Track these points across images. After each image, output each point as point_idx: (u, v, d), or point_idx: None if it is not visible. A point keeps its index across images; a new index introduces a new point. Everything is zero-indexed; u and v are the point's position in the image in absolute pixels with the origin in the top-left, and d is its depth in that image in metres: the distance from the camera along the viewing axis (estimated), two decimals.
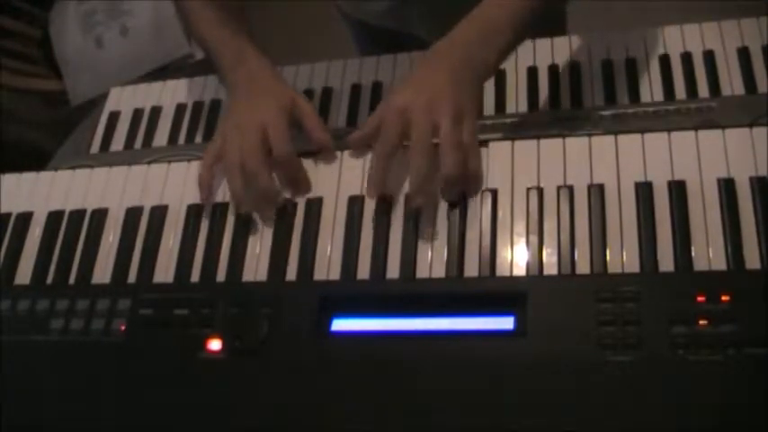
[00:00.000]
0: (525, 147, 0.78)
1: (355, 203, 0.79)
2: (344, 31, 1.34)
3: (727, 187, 0.71)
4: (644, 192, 0.73)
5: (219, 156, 0.84)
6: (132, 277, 0.82)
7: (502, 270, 0.73)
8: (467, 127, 0.76)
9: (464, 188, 0.76)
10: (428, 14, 1.11)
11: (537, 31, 0.98)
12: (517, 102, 0.97)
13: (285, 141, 0.82)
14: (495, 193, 0.76)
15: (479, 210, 0.76)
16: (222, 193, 0.84)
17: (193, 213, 0.83)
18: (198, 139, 1.04)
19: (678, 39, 0.98)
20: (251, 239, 0.80)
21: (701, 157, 0.74)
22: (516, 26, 0.82)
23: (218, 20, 0.93)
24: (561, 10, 1.21)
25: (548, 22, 1.10)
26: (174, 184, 0.86)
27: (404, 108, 0.77)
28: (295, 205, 0.81)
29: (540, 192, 0.75)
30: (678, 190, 0.72)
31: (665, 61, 0.96)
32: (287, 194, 0.82)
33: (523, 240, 0.73)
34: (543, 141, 0.78)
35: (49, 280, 0.84)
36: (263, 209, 0.81)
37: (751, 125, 0.74)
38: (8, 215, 0.89)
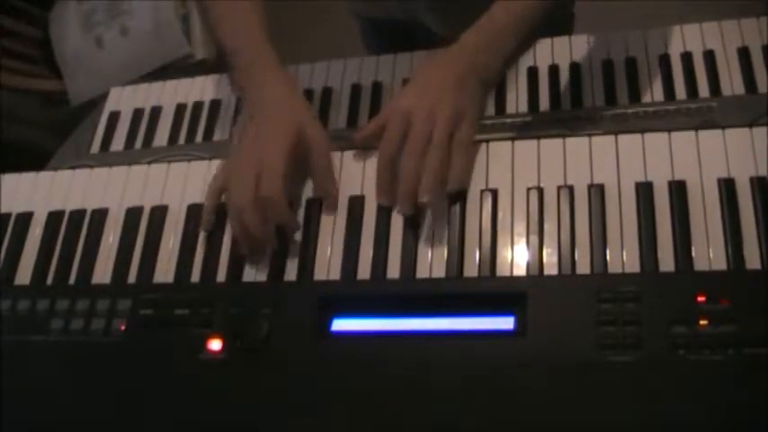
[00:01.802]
0: (525, 147, 0.78)
1: (355, 203, 0.79)
2: (345, 30, 1.34)
3: (727, 187, 0.71)
4: (644, 192, 0.73)
5: (223, 190, 0.82)
6: (132, 277, 0.82)
7: (502, 270, 0.73)
8: (461, 132, 0.77)
9: (448, 192, 0.76)
10: (432, 7, 1.11)
11: (545, 32, 0.99)
12: (517, 102, 0.97)
13: (272, 186, 0.77)
14: (495, 193, 0.76)
15: (480, 210, 0.76)
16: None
17: (193, 213, 0.83)
18: (198, 139, 1.04)
19: (678, 39, 0.98)
20: None
21: (701, 157, 0.74)
22: (523, 33, 0.83)
23: (242, 26, 0.90)
24: (569, 11, 1.21)
25: (556, 23, 1.10)
26: (174, 184, 0.86)
27: (407, 111, 0.78)
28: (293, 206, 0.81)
29: (541, 192, 0.75)
30: (678, 190, 0.72)
31: (665, 61, 0.96)
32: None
33: (524, 240, 0.73)
34: (543, 141, 0.78)
35: (49, 280, 0.84)
36: (256, 253, 0.79)
37: (751, 125, 0.74)
38: (8, 215, 0.89)
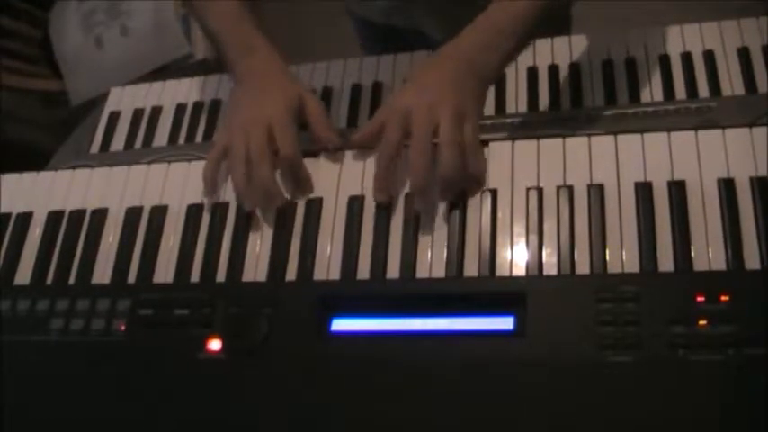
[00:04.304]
0: (525, 147, 0.78)
1: (355, 203, 0.79)
2: (345, 30, 1.34)
3: (726, 187, 0.71)
4: (644, 192, 0.73)
5: (225, 151, 0.84)
6: (132, 277, 0.82)
7: (501, 270, 0.73)
8: (468, 128, 0.77)
9: (464, 188, 0.76)
10: (431, 10, 1.11)
11: (542, 32, 0.98)
12: (517, 102, 0.97)
13: (291, 142, 0.81)
14: (494, 193, 0.76)
15: (479, 210, 0.76)
16: (222, 194, 0.84)
17: (193, 213, 0.83)
18: (198, 139, 1.04)
19: (678, 39, 0.98)
20: (251, 239, 0.80)
21: (701, 157, 0.74)
22: (521, 32, 0.83)
23: (228, 10, 0.92)
24: (566, 12, 1.21)
25: (553, 24, 1.10)
26: (174, 184, 0.86)
27: (406, 109, 0.78)
28: (295, 205, 0.81)
29: (540, 192, 0.75)
30: (678, 190, 0.72)
31: (665, 61, 0.96)
32: (289, 194, 0.82)
33: (523, 240, 0.73)
34: (543, 141, 0.78)
35: (49, 280, 0.84)
36: (265, 207, 0.81)
37: (751, 125, 0.74)
38: (8, 215, 0.89)
